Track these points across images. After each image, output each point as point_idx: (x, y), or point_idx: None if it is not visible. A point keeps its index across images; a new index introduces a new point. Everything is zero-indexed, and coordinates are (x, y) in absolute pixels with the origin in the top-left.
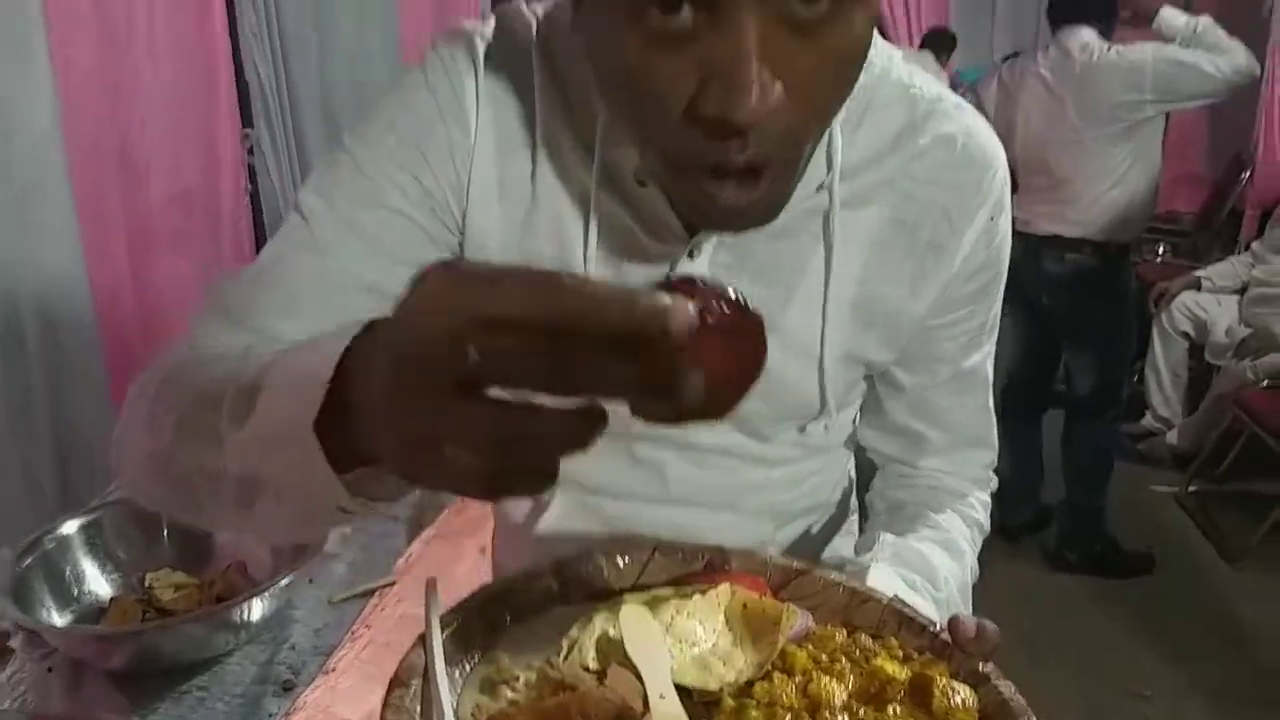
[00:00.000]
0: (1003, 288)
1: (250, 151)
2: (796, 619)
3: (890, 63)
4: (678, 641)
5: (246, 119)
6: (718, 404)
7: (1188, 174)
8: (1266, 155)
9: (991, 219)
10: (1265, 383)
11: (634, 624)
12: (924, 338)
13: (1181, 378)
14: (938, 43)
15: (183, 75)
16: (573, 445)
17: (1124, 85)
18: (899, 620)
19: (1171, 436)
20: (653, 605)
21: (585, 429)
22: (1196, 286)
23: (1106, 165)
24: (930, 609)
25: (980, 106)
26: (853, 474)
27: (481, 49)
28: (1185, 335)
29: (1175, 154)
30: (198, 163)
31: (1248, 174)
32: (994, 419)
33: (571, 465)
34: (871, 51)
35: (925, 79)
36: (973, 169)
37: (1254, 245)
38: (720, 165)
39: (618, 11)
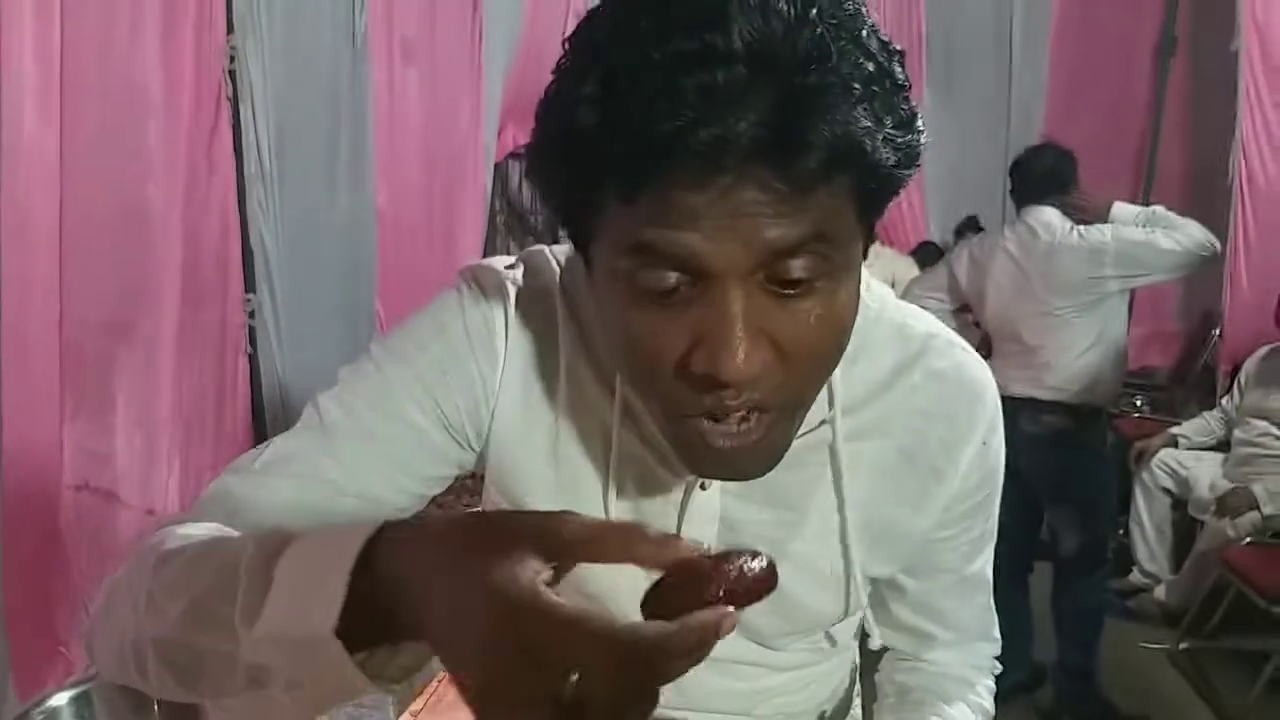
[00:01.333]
0: (999, 497)
1: (251, 315)
2: None
3: (883, 305)
4: None
5: (249, 285)
6: None
7: (1161, 330)
8: (1234, 313)
9: (984, 442)
10: (1247, 539)
11: None
12: (928, 550)
13: (1166, 533)
14: (925, 254)
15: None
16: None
17: (1087, 264)
18: None
19: (1160, 592)
20: None
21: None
22: (1174, 444)
23: (1074, 334)
24: None
25: (952, 276)
26: (857, 659)
27: (513, 292)
28: (1167, 491)
29: (1147, 311)
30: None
31: (1218, 331)
32: (995, 615)
33: None
34: (866, 294)
35: (918, 316)
36: (964, 401)
37: (1223, 402)
38: (714, 410)
39: (620, 280)
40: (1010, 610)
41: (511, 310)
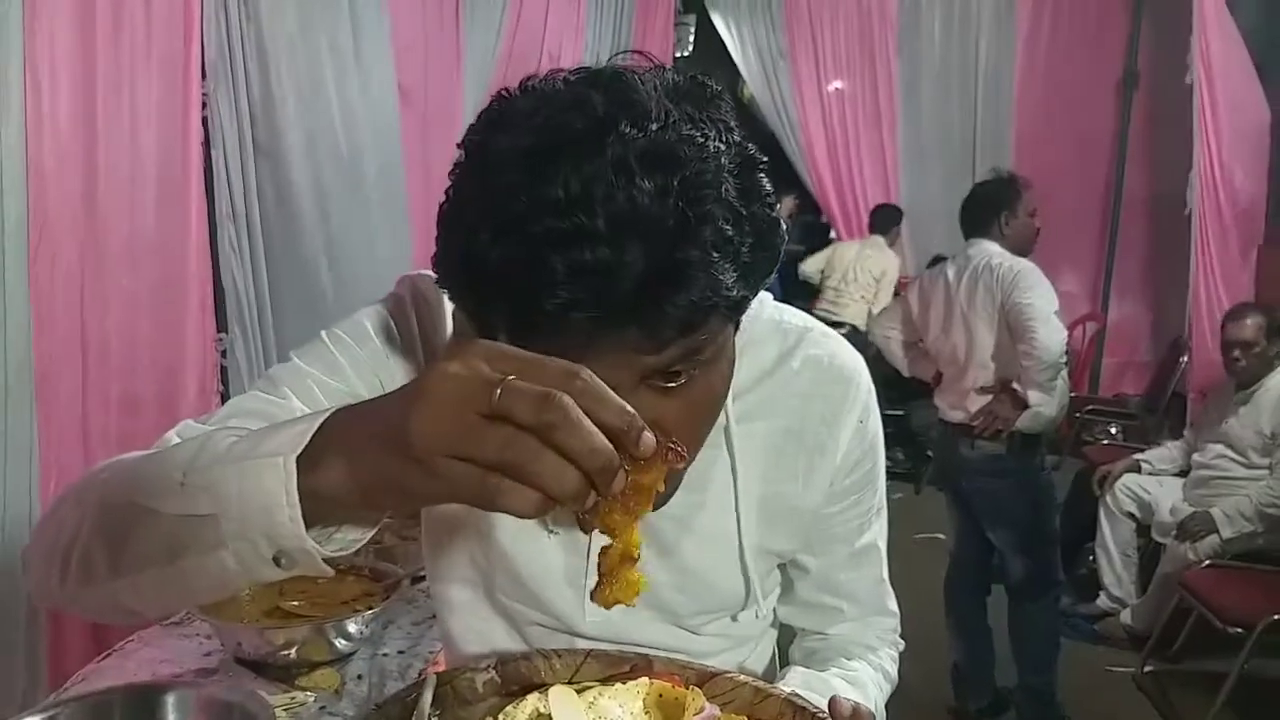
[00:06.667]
0: (882, 476)
1: (224, 355)
2: (702, 702)
3: (762, 305)
4: (598, 718)
5: (222, 324)
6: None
7: (1133, 360)
8: (1200, 342)
9: (861, 421)
10: (1207, 562)
11: (561, 701)
12: (822, 525)
13: (1131, 557)
14: (885, 218)
15: (160, 281)
16: (565, 490)
17: (998, 286)
18: (794, 711)
19: (1126, 616)
20: (580, 691)
21: (579, 482)
22: (1137, 469)
23: (1001, 358)
24: None
25: (907, 307)
26: (776, 653)
27: (446, 295)
28: (1131, 516)
29: (1119, 341)
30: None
31: (1186, 359)
32: (891, 590)
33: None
34: None
35: (794, 313)
36: (840, 383)
37: (1185, 432)
38: None
39: None
40: (969, 634)
41: (447, 309)
